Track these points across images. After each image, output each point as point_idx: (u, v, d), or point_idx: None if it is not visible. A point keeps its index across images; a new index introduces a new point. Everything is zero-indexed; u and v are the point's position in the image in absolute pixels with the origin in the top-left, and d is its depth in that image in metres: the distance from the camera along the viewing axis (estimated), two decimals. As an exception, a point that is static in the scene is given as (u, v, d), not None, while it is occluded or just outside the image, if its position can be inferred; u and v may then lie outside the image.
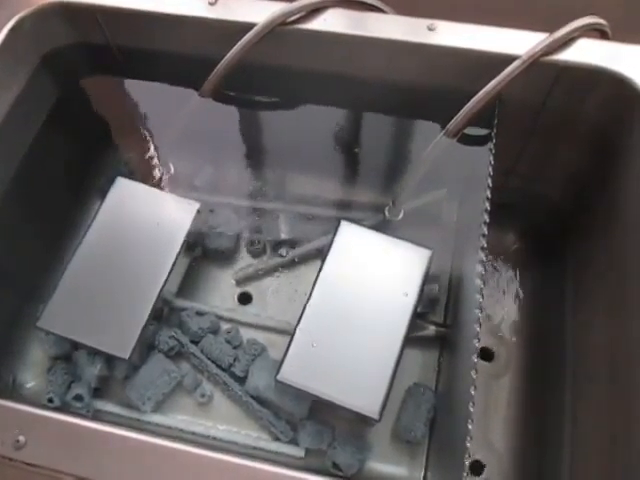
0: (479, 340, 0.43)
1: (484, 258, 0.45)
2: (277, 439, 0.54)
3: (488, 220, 0.46)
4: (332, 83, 0.54)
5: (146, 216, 0.56)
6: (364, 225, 0.56)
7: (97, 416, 0.54)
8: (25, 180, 0.55)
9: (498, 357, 0.60)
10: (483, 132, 0.53)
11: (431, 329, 0.58)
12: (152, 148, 0.62)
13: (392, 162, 0.62)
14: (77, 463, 0.38)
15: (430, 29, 0.49)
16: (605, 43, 0.48)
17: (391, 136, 0.60)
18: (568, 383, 0.52)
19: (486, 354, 0.60)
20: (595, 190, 0.53)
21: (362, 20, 0.50)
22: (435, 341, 0.58)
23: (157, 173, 0.61)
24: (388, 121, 0.59)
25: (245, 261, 0.62)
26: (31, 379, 0.56)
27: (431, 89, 0.52)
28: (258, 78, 0.54)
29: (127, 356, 0.51)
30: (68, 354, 0.55)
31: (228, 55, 0.50)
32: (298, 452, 0.53)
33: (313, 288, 0.53)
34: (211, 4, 0.51)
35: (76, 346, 0.55)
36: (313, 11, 0.50)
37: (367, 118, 0.60)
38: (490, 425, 0.56)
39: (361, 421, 0.52)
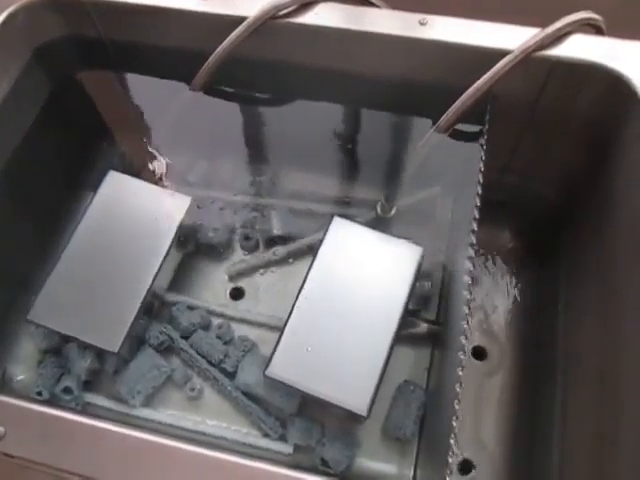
0: (466, 337, 0.43)
1: (473, 254, 0.45)
2: (266, 435, 0.54)
3: (478, 216, 0.46)
4: (323, 77, 0.53)
5: (137, 210, 0.56)
6: (357, 221, 0.56)
7: (87, 409, 0.54)
8: (17, 173, 0.55)
9: (491, 356, 0.59)
10: (477, 129, 0.52)
11: (423, 326, 0.57)
12: (145, 142, 0.62)
13: (385, 158, 0.62)
14: (57, 455, 0.38)
15: (422, 23, 0.49)
16: (599, 39, 0.48)
17: (384, 132, 0.60)
18: (559, 383, 0.52)
19: (479, 353, 0.60)
20: (589, 188, 0.52)
21: (353, 14, 0.49)
22: (427, 339, 0.58)
23: (150, 167, 0.61)
24: (381, 117, 0.59)
25: (238, 256, 0.62)
26: (21, 372, 0.56)
27: (423, 84, 0.52)
28: (249, 72, 0.54)
29: (116, 350, 0.51)
30: (59, 347, 0.55)
31: (219, 49, 0.50)
32: (287, 448, 0.53)
33: (304, 284, 0.52)
34: (202, -3, 0.51)
35: (67, 339, 0.55)
36: (304, 5, 0.50)
37: (359, 114, 0.60)
38: (481, 424, 0.56)
39: (350, 418, 0.52)
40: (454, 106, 0.49)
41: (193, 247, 0.61)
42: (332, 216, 0.55)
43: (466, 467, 0.55)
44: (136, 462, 0.38)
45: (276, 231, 0.61)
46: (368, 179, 0.63)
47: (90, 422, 0.40)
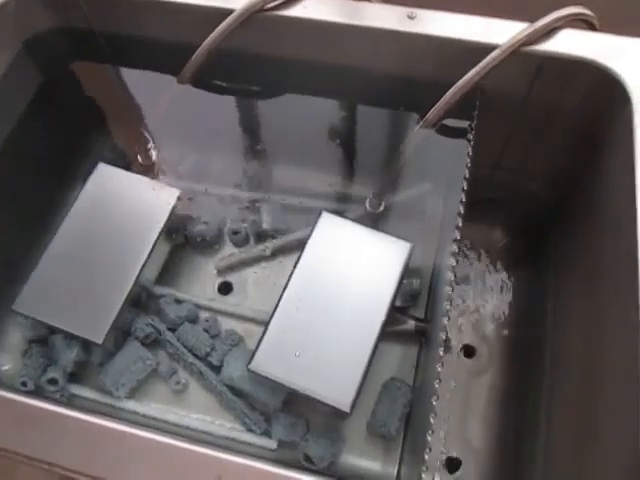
0: (447, 333, 0.42)
1: (456, 250, 0.44)
2: (250, 430, 0.53)
3: (463, 212, 0.45)
4: (311, 71, 0.53)
5: (125, 202, 0.56)
6: (346, 217, 0.55)
7: (72, 401, 0.54)
8: (7, 165, 0.55)
9: (480, 354, 0.59)
10: (467, 124, 0.52)
11: (411, 324, 0.57)
12: (136, 134, 0.62)
13: (373, 153, 0.61)
14: (40, 447, 0.38)
15: (410, 17, 0.48)
16: (589, 34, 0.47)
17: (373, 127, 0.60)
18: (546, 382, 0.51)
19: (468, 351, 0.59)
20: (578, 185, 0.52)
21: (342, 7, 0.49)
22: (415, 336, 0.57)
23: (140, 159, 0.61)
24: (370, 112, 0.59)
25: (227, 250, 0.62)
26: (7, 362, 0.56)
27: (412, 78, 0.51)
28: (237, 65, 0.54)
29: (100, 341, 0.51)
30: (45, 338, 0.55)
31: (206, 41, 0.50)
32: (271, 444, 0.53)
33: (290, 278, 0.52)
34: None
35: (53, 330, 0.55)
36: (293, -3, 0.50)
37: (348, 109, 0.59)
38: (468, 422, 0.56)
39: (334, 414, 0.52)
40: (442, 100, 0.48)
41: (182, 240, 0.61)
42: (320, 211, 0.54)
43: (453, 465, 0.55)
44: (118, 454, 0.38)
45: (266, 226, 0.61)
46: (357, 174, 0.62)
47: (75, 414, 0.40)
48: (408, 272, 0.55)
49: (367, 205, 0.58)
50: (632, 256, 0.39)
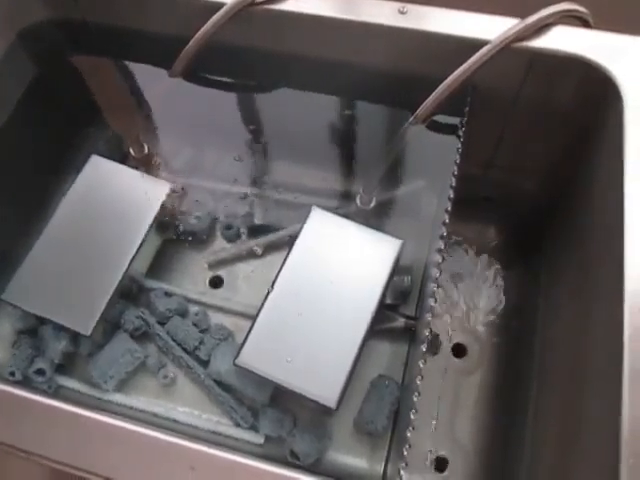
0: (430, 330, 0.42)
1: (442, 247, 0.44)
2: (237, 425, 0.53)
3: (450, 209, 0.45)
4: (302, 65, 0.53)
5: (117, 194, 0.56)
6: (337, 213, 0.55)
7: (59, 392, 0.54)
8: (0, 156, 0.55)
9: (471, 354, 0.58)
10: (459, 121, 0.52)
11: (401, 321, 0.57)
12: (130, 127, 0.62)
13: (364, 149, 0.61)
14: (29, 438, 0.38)
15: (401, 12, 0.48)
16: (581, 31, 0.47)
17: (365, 123, 0.59)
18: (534, 383, 0.51)
19: (459, 350, 0.59)
20: (571, 183, 0.51)
21: (333, 1, 0.49)
22: (404, 333, 0.57)
23: (134, 152, 0.61)
24: (362, 107, 0.58)
25: (219, 245, 0.62)
26: (-4, 352, 0.56)
27: (403, 74, 0.51)
28: (229, 59, 0.54)
29: (88, 333, 0.51)
30: (34, 328, 0.56)
31: (197, 35, 0.50)
32: (257, 439, 0.53)
33: (279, 274, 0.52)
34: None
35: (42, 321, 0.55)
36: (284, -8, 0.49)
37: (339, 104, 0.59)
38: (457, 421, 0.55)
39: (320, 410, 0.52)
40: (432, 96, 0.48)
41: (173, 233, 0.61)
42: (311, 207, 0.54)
43: (441, 464, 0.54)
44: (107, 446, 0.38)
45: (258, 221, 0.61)
46: (348, 170, 0.62)
47: (61, 406, 0.40)
48: (399, 269, 0.55)
49: (358, 201, 0.58)
50: (618, 256, 0.38)
